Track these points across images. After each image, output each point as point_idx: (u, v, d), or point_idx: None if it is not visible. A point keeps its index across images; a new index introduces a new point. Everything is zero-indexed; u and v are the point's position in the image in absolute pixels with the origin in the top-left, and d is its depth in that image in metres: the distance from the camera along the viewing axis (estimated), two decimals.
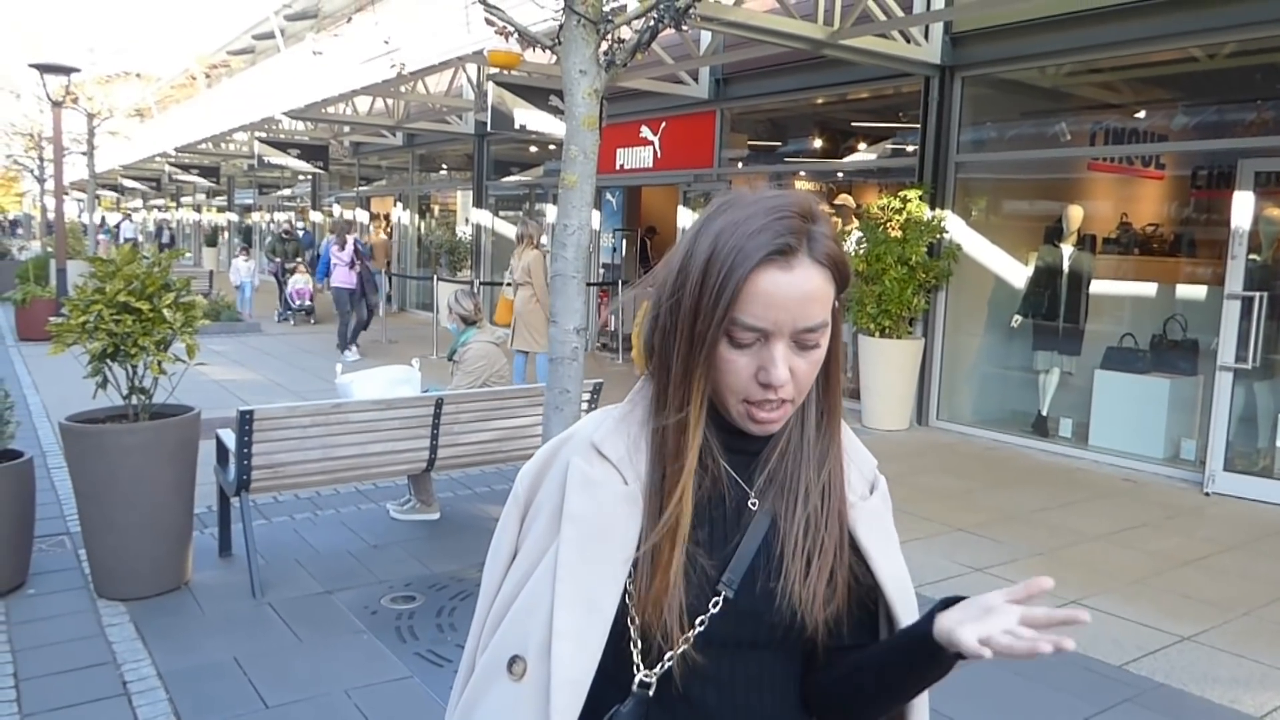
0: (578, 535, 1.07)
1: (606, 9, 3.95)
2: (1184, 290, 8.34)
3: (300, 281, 16.44)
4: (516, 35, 4.27)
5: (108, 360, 4.25)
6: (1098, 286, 8.49)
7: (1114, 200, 9.09)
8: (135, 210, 43.53)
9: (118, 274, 4.20)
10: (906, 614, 1.16)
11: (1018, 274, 8.88)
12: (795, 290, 1.03)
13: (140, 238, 32.63)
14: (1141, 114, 8.34)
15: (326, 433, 4.56)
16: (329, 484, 4.99)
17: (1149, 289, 8.66)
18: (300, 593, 4.46)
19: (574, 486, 1.09)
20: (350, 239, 13.36)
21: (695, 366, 1.06)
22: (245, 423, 4.31)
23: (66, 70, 13.59)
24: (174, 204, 40.04)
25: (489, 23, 4.25)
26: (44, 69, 13.59)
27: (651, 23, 3.92)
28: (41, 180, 24.42)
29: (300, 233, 20.08)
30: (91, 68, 19.01)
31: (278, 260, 17.82)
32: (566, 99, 3.89)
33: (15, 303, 13.56)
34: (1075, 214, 8.30)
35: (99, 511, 4.28)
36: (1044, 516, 6.15)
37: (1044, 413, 8.50)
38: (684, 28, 4.08)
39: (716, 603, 1.07)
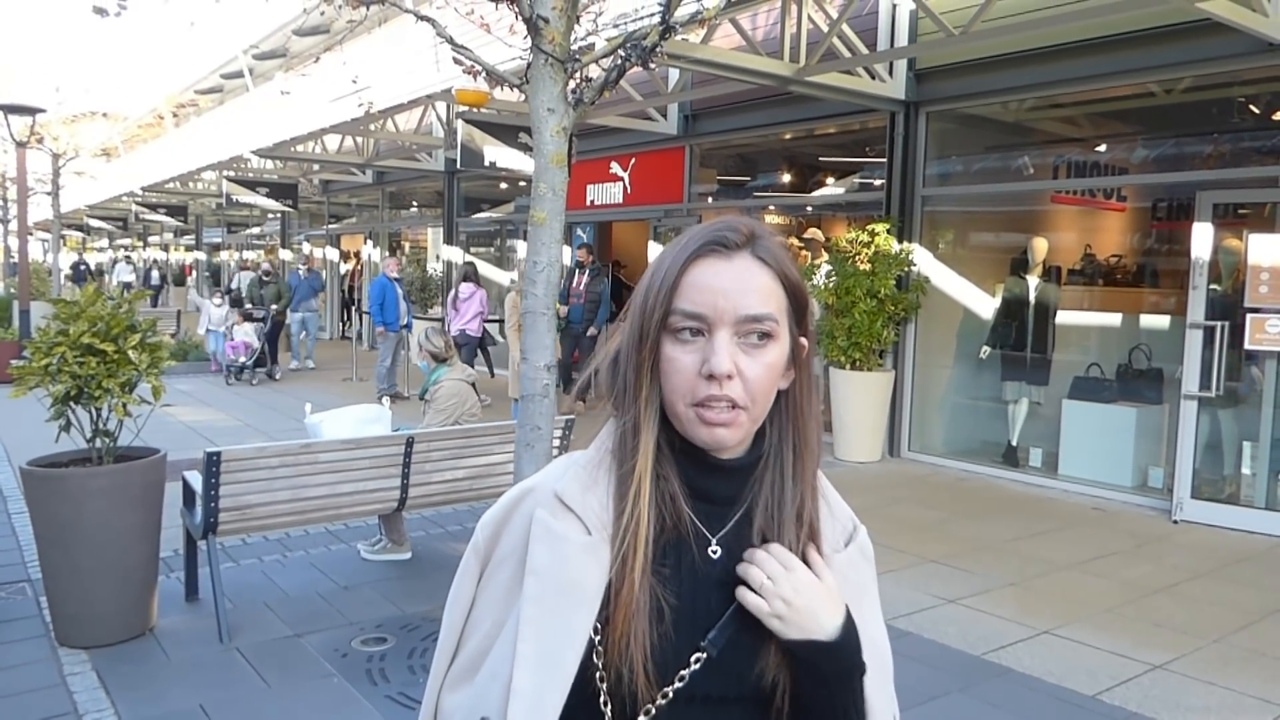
0: (540, 590, 1.03)
1: (574, 48, 3.99)
2: (1148, 320, 8.48)
3: (240, 333, 13.89)
4: (484, 74, 4.30)
5: (71, 403, 4.19)
6: (1063, 317, 8.60)
7: (1077, 232, 9.25)
8: (129, 249, 42.10)
9: (82, 315, 4.15)
10: (878, 679, 1.11)
11: (985, 305, 8.99)
12: (734, 277, 1.04)
13: (133, 279, 31.36)
14: (1102, 147, 8.51)
15: (295, 473, 4.51)
16: (299, 525, 4.93)
17: (1114, 319, 8.79)
18: (269, 636, 4.39)
19: (536, 539, 1.05)
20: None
21: (643, 365, 1.06)
22: (212, 464, 4.26)
23: (31, 111, 13.51)
24: (141, 243, 39.69)
25: (456, 62, 4.27)
26: (8, 109, 13.48)
27: (619, 61, 3.97)
28: (5, 221, 24.19)
29: (302, 272, 15.94)
30: (57, 107, 18.91)
31: (269, 308, 14.57)
32: (535, 137, 3.91)
33: None
34: (1040, 246, 8.43)
35: (61, 557, 4.19)
36: (1015, 546, 6.18)
37: (1014, 443, 8.57)
38: (651, 66, 4.12)
39: (699, 659, 1.03)
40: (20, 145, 14.24)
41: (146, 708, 3.66)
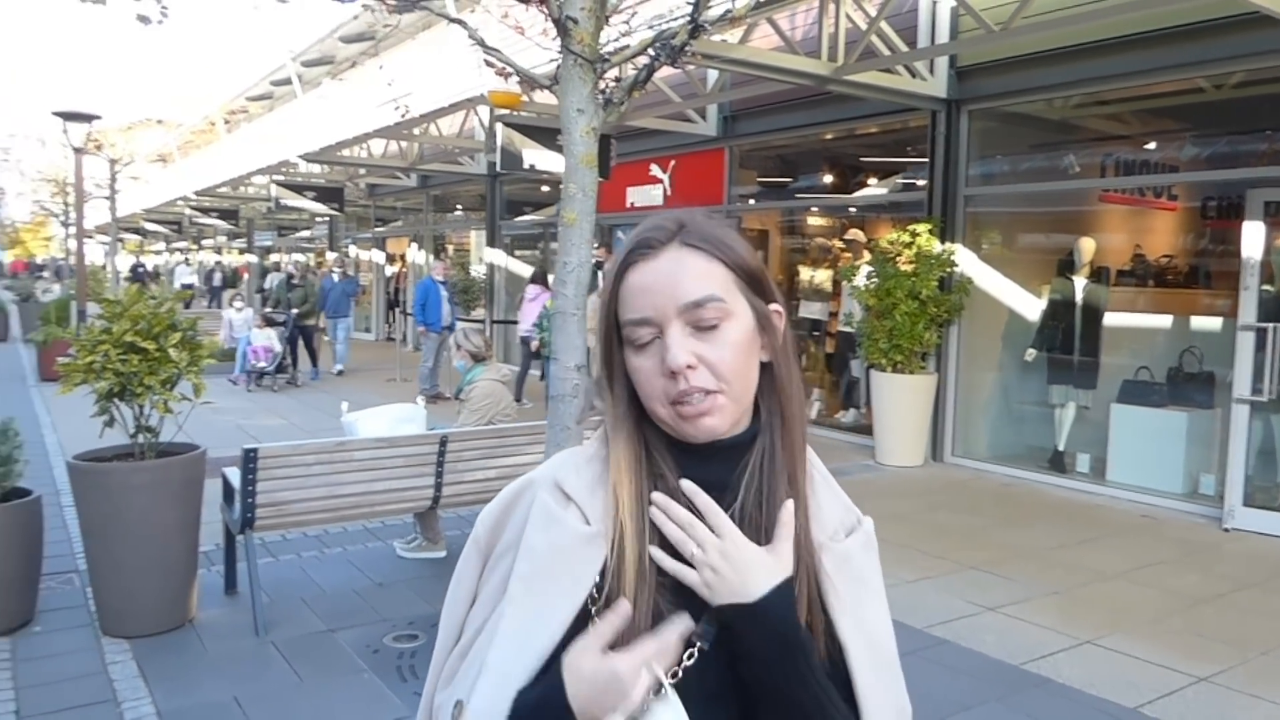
0: (530, 571, 1.03)
1: (604, 48, 3.99)
2: (1199, 322, 8.26)
3: (262, 338, 13.31)
4: (516, 76, 4.32)
5: (115, 399, 4.28)
6: (1112, 319, 8.42)
7: (1126, 232, 9.05)
8: (185, 251, 42.63)
9: (125, 314, 4.24)
10: (872, 669, 1.06)
11: (1031, 307, 8.83)
12: (663, 272, 1.04)
13: (194, 281, 31.70)
14: (1151, 145, 8.32)
15: (330, 471, 4.57)
16: (334, 522, 5.00)
17: (1164, 321, 8.59)
18: (303, 631, 4.45)
19: (535, 521, 1.06)
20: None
21: (609, 379, 1.09)
22: (249, 461, 4.33)
23: (88, 117, 13.84)
24: (195, 246, 40.50)
25: (488, 64, 4.30)
26: (67, 117, 13.85)
27: (648, 61, 3.96)
28: (66, 225, 24.83)
29: (336, 276, 15.46)
30: (114, 115, 19.37)
31: (289, 313, 14.02)
32: (565, 137, 3.92)
33: (37, 344, 13.73)
34: (1087, 246, 8.26)
35: (105, 549, 4.29)
36: (1059, 554, 6.06)
37: (1060, 448, 8.41)
38: (680, 65, 4.11)
39: (691, 654, 1.00)
40: (78, 151, 14.62)
41: (182, 698, 3.73)
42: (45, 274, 39.40)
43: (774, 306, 1.10)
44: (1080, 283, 8.31)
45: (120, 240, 34.17)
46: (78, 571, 5.09)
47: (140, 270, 31.42)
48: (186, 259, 38.52)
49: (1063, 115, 8.72)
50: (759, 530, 1.06)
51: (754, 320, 1.07)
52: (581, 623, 1.01)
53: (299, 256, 23.56)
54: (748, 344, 1.06)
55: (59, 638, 4.32)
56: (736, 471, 1.08)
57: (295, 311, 13.87)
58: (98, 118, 14.09)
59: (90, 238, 28.70)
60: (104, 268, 20.89)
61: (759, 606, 1.00)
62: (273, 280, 17.42)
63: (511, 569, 1.06)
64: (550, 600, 1.02)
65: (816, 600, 1.07)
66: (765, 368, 1.10)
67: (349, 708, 3.68)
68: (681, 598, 1.02)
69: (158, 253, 46.87)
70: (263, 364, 13.06)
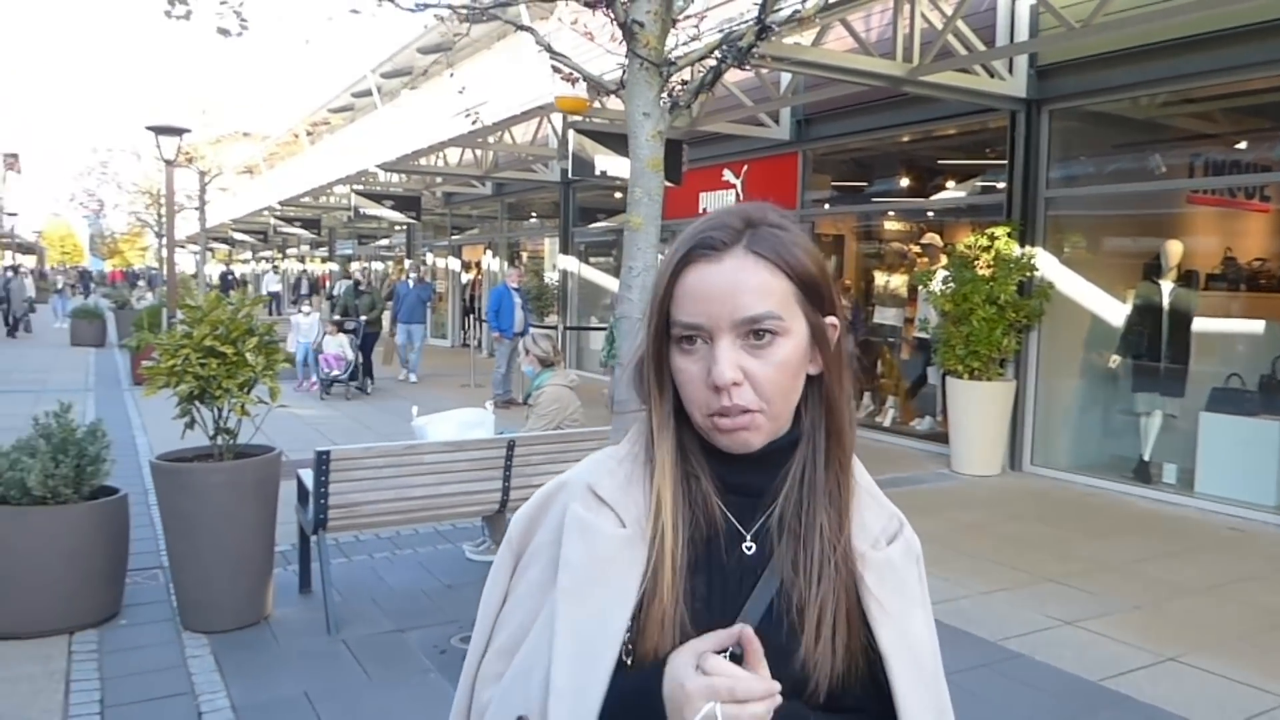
0: (574, 584, 1.01)
1: (671, 53, 3.99)
2: None
3: (333, 345, 13.12)
4: (583, 81, 4.35)
5: (195, 402, 4.42)
6: (1201, 324, 8.10)
7: (1216, 234, 8.72)
8: (271, 259, 43.62)
9: (204, 319, 4.38)
10: (915, 682, 1.03)
11: (1115, 312, 8.55)
12: (724, 280, 1.00)
13: (280, 289, 32.32)
14: (1243, 144, 8.00)
15: (400, 473, 4.65)
16: (403, 524, 5.08)
17: (1256, 326, 8.24)
18: (373, 630, 4.53)
19: (570, 532, 1.04)
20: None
21: (653, 373, 1.06)
22: (322, 463, 4.42)
23: (179, 131, 14.36)
24: (280, 255, 41.68)
25: (555, 69, 4.34)
26: (159, 131, 14.39)
27: (714, 63, 3.95)
28: (160, 235, 25.77)
29: (411, 282, 15.09)
30: (204, 129, 20.06)
31: (359, 319, 13.90)
32: (631, 142, 3.94)
33: (130, 349, 14.29)
34: (1174, 249, 7.98)
35: (185, 546, 4.44)
36: (1142, 567, 5.85)
37: (1145, 458, 8.12)
38: (748, 67, 4.09)
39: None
40: (170, 164, 15.17)
41: (256, 693, 3.83)
42: (140, 282, 40.98)
43: (831, 320, 1.06)
44: (1167, 287, 8.02)
45: (210, 249, 35.38)
46: (162, 567, 5.26)
47: (230, 278, 32.42)
48: (275, 267, 39.38)
49: (1148, 114, 8.44)
50: (798, 540, 1.04)
51: (808, 336, 1.04)
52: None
53: (377, 265, 23.97)
54: (798, 362, 1.03)
55: (143, 631, 4.47)
56: (776, 480, 1.06)
57: (364, 319, 13.87)
58: (188, 131, 14.61)
59: (181, 247, 29.79)
60: (194, 276, 21.65)
61: None
62: (340, 287, 17.55)
63: (543, 571, 1.06)
64: (601, 612, 1.00)
65: (856, 613, 1.04)
66: (814, 379, 1.08)
67: (414, 707, 3.74)
68: (713, 604, 1.02)
69: (245, 261, 48.33)
70: (335, 372, 12.93)
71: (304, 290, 30.42)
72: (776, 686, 0.92)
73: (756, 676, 0.92)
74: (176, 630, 4.47)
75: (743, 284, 1.00)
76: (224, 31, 4.59)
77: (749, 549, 1.05)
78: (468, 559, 5.68)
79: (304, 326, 13.87)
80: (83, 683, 3.87)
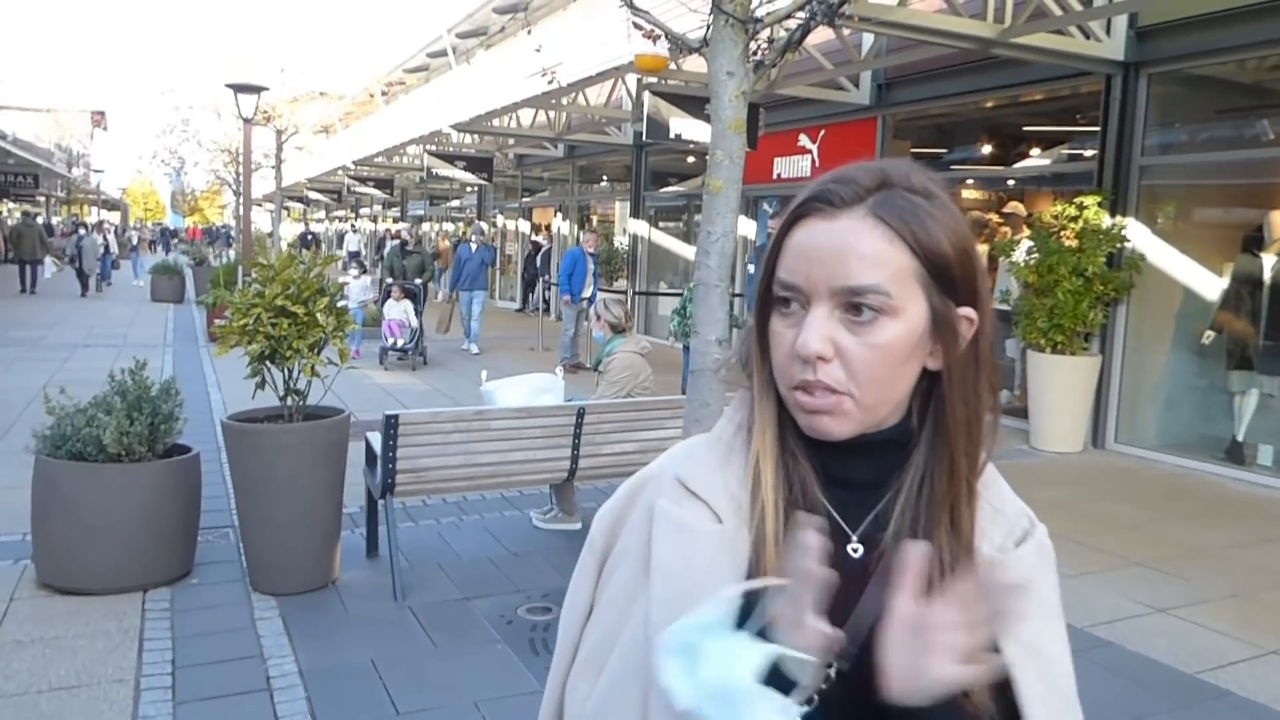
0: (669, 592, 0.89)
1: (757, 10, 3.81)
2: None
3: (399, 311, 12.10)
4: (665, 38, 4.18)
5: (266, 362, 4.41)
6: None
7: None
8: (344, 219, 43.26)
9: (276, 278, 4.35)
10: (1046, 702, 0.90)
11: (1210, 286, 8.13)
12: (833, 240, 0.87)
13: (361, 250, 31.67)
14: None
15: (468, 439, 4.59)
16: (471, 490, 5.04)
17: None
18: (440, 598, 4.50)
19: (661, 533, 0.92)
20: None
21: (758, 337, 0.94)
22: (390, 427, 4.38)
23: (257, 89, 14.53)
24: (353, 215, 42.21)
25: (636, 26, 4.18)
26: (238, 89, 14.57)
27: (803, 21, 3.76)
28: (238, 194, 26.24)
29: (473, 244, 14.06)
30: (282, 88, 20.25)
31: (389, 281, 13.18)
32: (713, 102, 3.77)
33: (207, 306, 14.56)
34: (1278, 220, 7.54)
35: (255, 507, 4.44)
36: (1239, 554, 5.57)
37: (1239, 438, 7.74)
38: (838, 25, 3.89)
39: (828, 676, 0.86)
40: (247, 122, 15.36)
41: (324, 657, 3.82)
42: (216, 241, 41.66)
43: (965, 311, 0.91)
44: (1269, 261, 7.59)
45: (285, 208, 35.90)
46: (233, 527, 5.31)
47: (309, 238, 32.67)
48: (353, 226, 39.12)
49: (1254, 78, 7.96)
50: None
51: (927, 322, 0.89)
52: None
53: (432, 227, 23.79)
54: (906, 349, 0.88)
55: (213, 591, 4.50)
56: (885, 478, 0.93)
57: (418, 281, 13.16)
58: (265, 89, 14.79)
59: (258, 205, 30.26)
60: (269, 234, 21.97)
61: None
62: (388, 247, 17.03)
63: (631, 573, 0.95)
64: None
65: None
66: (935, 375, 0.92)
67: (481, 678, 3.69)
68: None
69: (319, 220, 49.03)
70: (399, 340, 11.98)
71: (352, 248, 29.08)
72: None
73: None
74: (246, 591, 4.49)
75: (851, 248, 0.86)
76: None
77: (854, 551, 0.93)
78: (535, 527, 5.63)
79: (354, 290, 12.40)
80: (155, 641, 3.90)
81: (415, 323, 12.13)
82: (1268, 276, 7.59)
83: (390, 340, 11.99)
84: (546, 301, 17.65)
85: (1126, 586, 4.96)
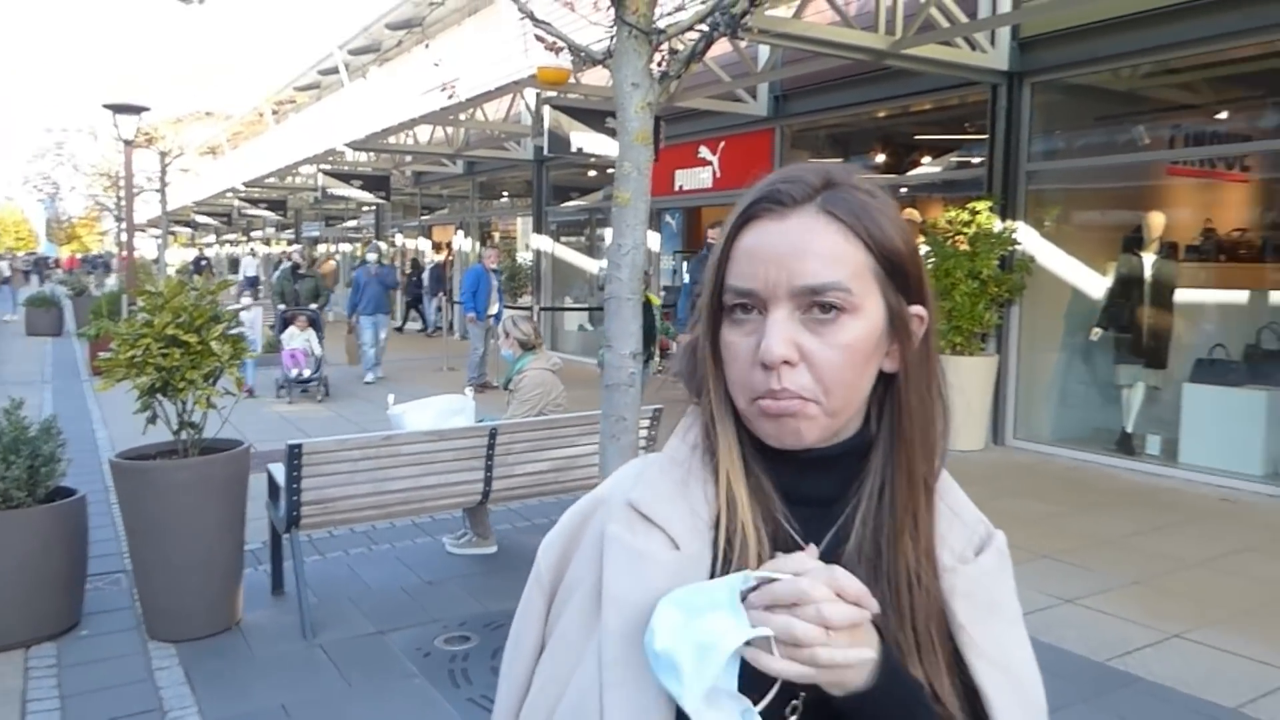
0: (624, 625, 0.83)
1: (659, 22, 3.78)
2: (1278, 296, 7.87)
3: (299, 340, 11.18)
4: (566, 51, 4.13)
5: (157, 395, 4.17)
6: (1183, 296, 8.04)
7: (1196, 205, 8.67)
8: (236, 243, 41.28)
9: (166, 306, 4.13)
10: (1013, 704, 0.87)
11: (1096, 285, 8.48)
12: (789, 239, 0.84)
13: (259, 275, 29.90)
14: (1223, 114, 7.92)
15: (377, 466, 4.43)
16: (382, 518, 4.86)
17: (1239, 297, 8.20)
18: (352, 633, 4.32)
19: (614, 562, 0.86)
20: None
21: (710, 351, 0.89)
22: (294, 457, 4.20)
23: (137, 110, 13.94)
24: (245, 238, 40.89)
25: (539, 39, 4.11)
26: (116, 109, 13.95)
27: (706, 32, 3.74)
28: (119, 219, 25.17)
29: (371, 266, 12.94)
30: (164, 108, 19.56)
31: (281, 308, 12.20)
32: (619, 114, 3.72)
33: (89, 338, 13.86)
34: (1156, 221, 7.89)
35: (149, 549, 4.20)
36: (1137, 541, 5.77)
37: (1129, 430, 8.07)
38: (739, 38, 3.89)
39: (795, 706, 0.80)
40: (128, 144, 14.72)
41: (229, 706, 3.62)
42: (96, 269, 39.71)
43: (917, 310, 0.89)
44: (1148, 259, 7.94)
45: (172, 233, 34.52)
46: (125, 572, 5.02)
47: (204, 263, 31.17)
48: (252, 250, 37.45)
49: (1129, 86, 8.34)
50: (878, 574, 0.87)
51: (885, 322, 0.86)
52: None
53: (344, 247, 23.35)
54: (868, 349, 0.85)
55: (105, 642, 4.23)
56: (846, 492, 0.89)
57: (314, 307, 12.09)
58: (146, 109, 14.20)
59: (142, 231, 29.05)
60: (155, 261, 21.10)
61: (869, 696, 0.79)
62: (278, 270, 15.91)
63: (584, 606, 0.88)
64: None
65: (945, 637, 0.87)
66: (889, 377, 0.89)
67: (399, 715, 3.54)
68: None
69: (209, 245, 47.36)
70: (306, 371, 11.06)
71: (250, 273, 27.10)
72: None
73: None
74: (142, 640, 4.22)
75: (808, 246, 0.83)
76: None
77: None
78: (448, 552, 5.47)
79: (245, 320, 10.83)
80: (40, 702, 3.62)
81: (319, 351, 11.33)
82: (1148, 274, 7.94)
83: (294, 371, 11.08)
84: (450, 322, 17.35)
85: (1035, 579, 5.07)
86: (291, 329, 11.34)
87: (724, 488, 0.87)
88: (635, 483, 0.91)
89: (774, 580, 0.74)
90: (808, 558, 0.74)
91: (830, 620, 0.72)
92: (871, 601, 0.77)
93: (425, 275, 19.86)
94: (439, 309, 18.92)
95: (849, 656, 0.73)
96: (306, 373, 11.11)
